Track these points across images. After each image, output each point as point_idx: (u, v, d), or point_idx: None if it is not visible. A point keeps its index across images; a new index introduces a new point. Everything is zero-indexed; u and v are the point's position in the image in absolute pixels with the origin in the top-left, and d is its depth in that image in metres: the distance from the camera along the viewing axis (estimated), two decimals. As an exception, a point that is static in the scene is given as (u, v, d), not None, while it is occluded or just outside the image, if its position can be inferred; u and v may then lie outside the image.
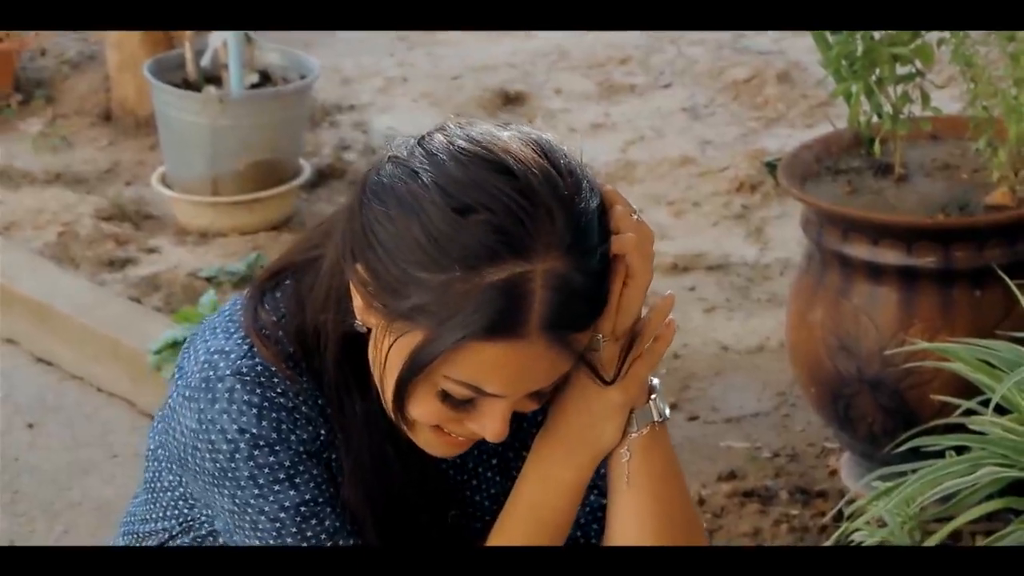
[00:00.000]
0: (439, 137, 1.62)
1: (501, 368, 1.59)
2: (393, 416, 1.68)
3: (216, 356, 1.69)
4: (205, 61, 4.65)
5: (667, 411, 1.74)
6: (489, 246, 1.56)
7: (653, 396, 1.73)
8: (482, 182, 1.57)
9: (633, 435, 1.71)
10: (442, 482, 1.79)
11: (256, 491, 1.68)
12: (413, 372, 1.61)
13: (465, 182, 1.57)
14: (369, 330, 1.67)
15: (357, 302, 1.65)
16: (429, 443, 1.70)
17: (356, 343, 1.69)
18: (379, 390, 1.68)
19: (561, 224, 1.57)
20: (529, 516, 1.73)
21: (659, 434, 1.73)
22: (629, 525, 1.73)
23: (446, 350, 1.58)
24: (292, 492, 1.68)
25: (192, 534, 1.81)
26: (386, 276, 1.60)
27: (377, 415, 1.71)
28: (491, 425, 1.64)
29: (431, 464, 1.77)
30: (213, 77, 4.65)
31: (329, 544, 1.70)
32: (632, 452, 1.71)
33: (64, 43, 5.71)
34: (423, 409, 1.65)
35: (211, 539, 1.80)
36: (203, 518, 1.79)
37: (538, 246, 1.56)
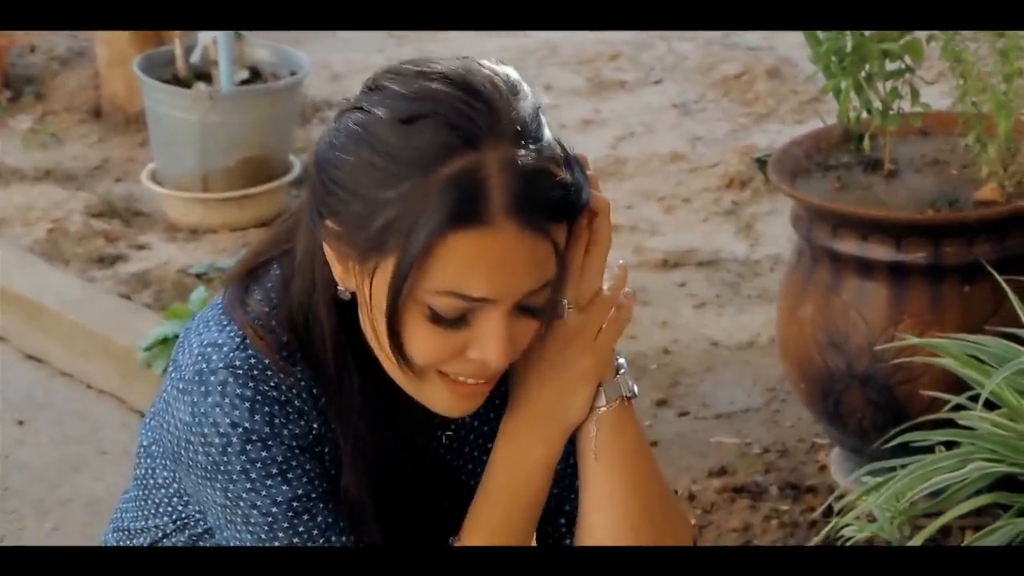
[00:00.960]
0: (380, 73, 1.67)
1: (478, 263, 1.59)
2: (398, 372, 1.66)
3: (209, 349, 1.69)
4: (195, 57, 4.65)
5: (635, 388, 1.76)
6: (439, 143, 1.59)
7: (621, 372, 1.74)
8: (424, 92, 1.61)
9: (601, 409, 1.73)
10: (439, 466, 1.80)
11: (248, 485, 1.68)
12: (396, 295, 1.61)
13: (408, 95, 1.61)
14: (354, 295, 1.67)
15: (335, 267, 1.66)
16: (443, 400, 1.69)
17: (348, 319, 1.69)
18: (377, 348, 1.68)
19: (506, 116, 1.61)
20: (503, 495, 1.73)
21: (627, 410, 1.74)
22: (601, 502, 1.74)
23: (419, 257, 1.58)
24: (284, 487, 1.68)
25: (188, 532, 1.81)
26: (350, 214, 1.62)
27: (375, 395, 1.71)
28: (491, 344, 1.63)
29: (429, 446, 1.77)
30: (203, 73, 4.65)
31: (321, 540, 1.70)
32: (600, 427, 1.73)
33: (53, 40, 5.70)
34: (419, 340, 1.64)
35: (207, 536, 1.79)
36: (198, 515, 1.79)
37: (487, 136, 1.59)
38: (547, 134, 1.64)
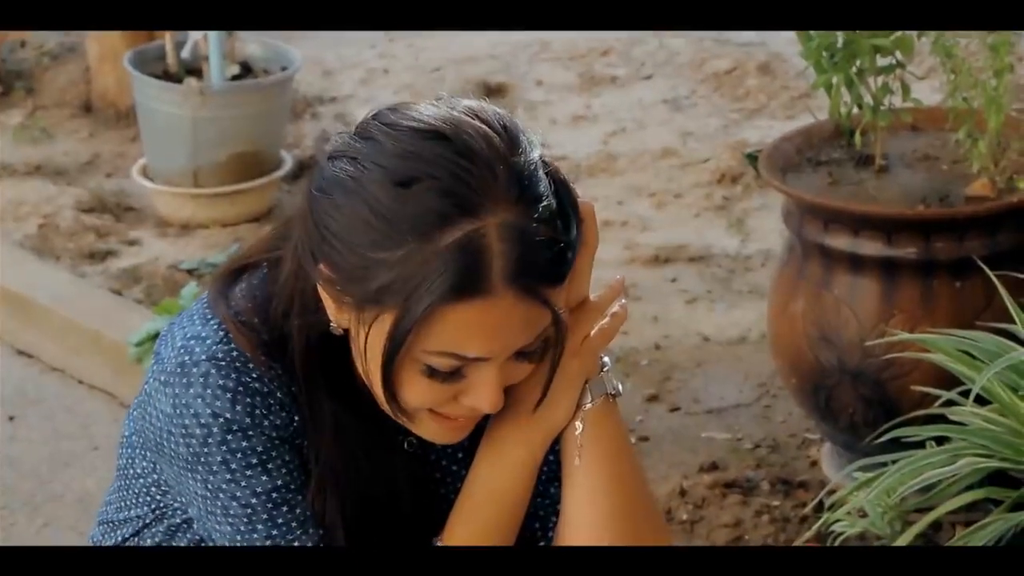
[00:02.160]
0: (372, 122, 1.64)
1: (476, 329, 1.60)
2: (389, 409, 1.68)
3: (192, 342, 1.69)
4: (186, 53, 4.64)
5: (620, 387, 1.76)
6: (438, 211, 1.57)
7: (605, 369, 1.75)
8: (419, 152, 1.59)
9: (587, 406, 1.73)
10: (412, 481, 1.79)
11: (228, 476, 1.68)
12: (392, 353, 1.61)
13: (403, 155, 1.59)
14: (346, 331, 1.67)
15: (329, 304, 1.66)
16: (432, 432, 1.70)
17: (323, 347, 1.69)
18: (368, 384, 1.68)
19: (504, 178, 1.59)
20: (487, 498, 1.73)
21: (612, 408, 1.75)
22: (584, 499, 1.74)
23: (417, 322, 1.58)
24: (264, 478, 1.68)
25: (166, 522, 1.81)
26: (347, 266, 1.61)
27: (347, 418, 1.71)
28: (484, 394, 1.64)
29: (401, 465, 1.77)
30: (194, 69, 4.64)
31: (299, 532, 1.70)
32: (585, 424, 1.73)
33: (44, 35, 5.69)
34: (414, 391, 1.65)
35: (185, 527, 1.80)
36: (176, 505, 1.79)
37: (486, 202, 1.57)
38: (544, 187, 1.61)
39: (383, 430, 1.75)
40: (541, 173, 1.62)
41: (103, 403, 3.87)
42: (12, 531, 3.44)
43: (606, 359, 1.76)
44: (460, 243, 1.57)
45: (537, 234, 1.59)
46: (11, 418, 3.83)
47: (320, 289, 1.66)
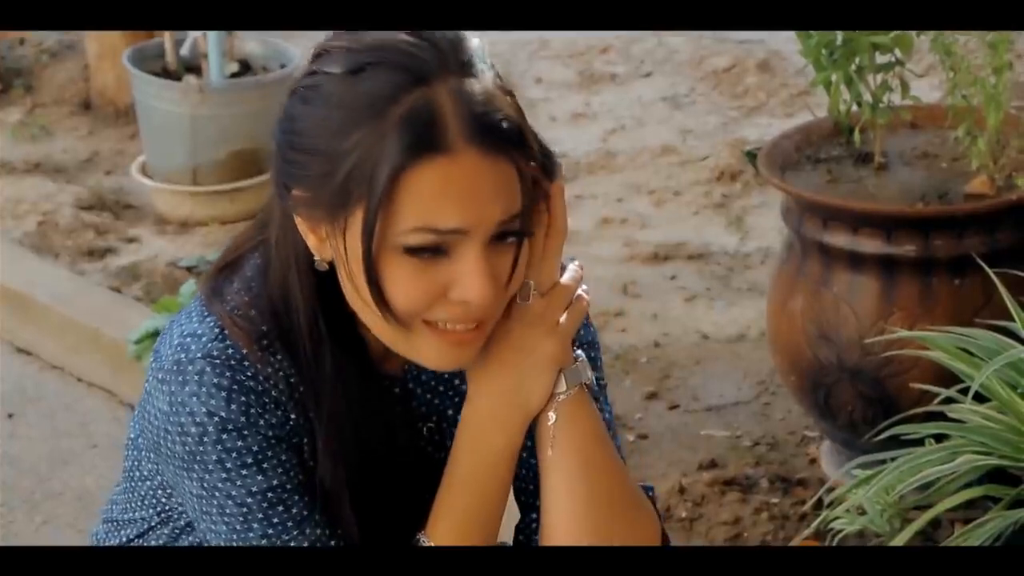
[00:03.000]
0: (324, 42, 1.68)
1: (443, 193, 1.60)
2: (383, 319, 1.66)
3: (188, 339, 1.70)
4: (185, 50, 4.65)
5: (593, 378, 1.77)
6: (388, 84, 1.60)
7: (579, 360, 1.75)
8: (370, 43, 1.64)
9: (561, 396, 1.73)
10: (420, 458, 1.80)
11: (223, 475, 1.68)
12: (369, 240, 1.61)
13: (355, 49, 1.64)
14: (331, 265, 1.67)
15: (309, 238, 1.67)
16: (434, 354, 1.69)
17: (327, 296, 1.70)
18: (360, 306, 1.67)
19: (452, 52, 1.63)
20: (466, 484, 1.74)
21: (585, 398, 1.75)
22: (560, 490, 1.74)
23: (385, 195, 1.59)
24: (260, 477, 1.69)
25: (171, 525, 1.81)
26: (314, 175, 1.63)
27: (352, 378, 1.71)
28: (471, 281, 1.63)
29: (409, 438, 1.78)
30: (193, 66, 4.64)
31: (295, 532, 1.70)
32: (558, 415, 1.73)
33: (43, 33, 5.69)
34: (400, 284, 1.63)
35: (189, 530, 1.80)
36: (180, 508, 1.80)
37: (435, 70, 1.61)
38: (491, 67, 1.65)
39: (394, 415, 1.75)
40: (488, 59, 1.65)
41: (102, 401, 3.87)
42: (11, 529, 3.44)
43: (579, 352, 1.76)
44: (413, 108, 1.60)
45: (490, 95, 1.62)
46: (10, 416, 3.84)
47: (299, 225, 1.67)
